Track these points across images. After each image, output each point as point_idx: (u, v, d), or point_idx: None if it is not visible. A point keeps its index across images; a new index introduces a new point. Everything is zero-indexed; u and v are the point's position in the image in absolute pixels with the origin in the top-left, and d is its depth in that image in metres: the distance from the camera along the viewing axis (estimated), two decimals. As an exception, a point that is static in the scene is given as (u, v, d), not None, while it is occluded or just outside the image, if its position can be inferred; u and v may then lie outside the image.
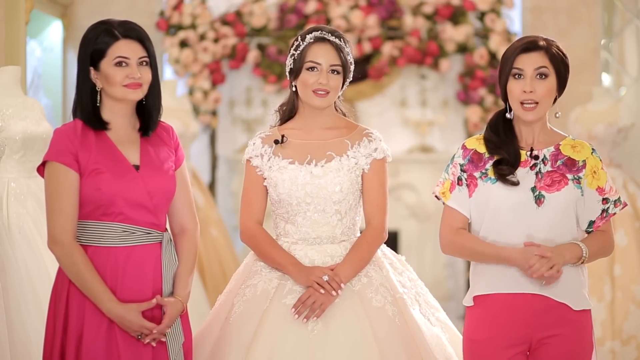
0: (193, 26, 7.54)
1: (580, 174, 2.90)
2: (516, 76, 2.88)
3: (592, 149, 2.94)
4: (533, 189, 2.88)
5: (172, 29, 7.58)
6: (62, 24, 7.20)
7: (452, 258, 7.72)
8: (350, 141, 3.20)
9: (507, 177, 2.89)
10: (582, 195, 2.90)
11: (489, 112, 7.43)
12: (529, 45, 2.88)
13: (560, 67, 2.89)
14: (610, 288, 5.50)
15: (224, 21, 7.61)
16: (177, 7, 7.57)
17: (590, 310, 2.95)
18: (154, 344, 2.89)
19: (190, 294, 3.04)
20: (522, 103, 2.87)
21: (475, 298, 2.95)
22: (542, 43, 2.88)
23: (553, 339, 2.88)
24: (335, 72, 3.14)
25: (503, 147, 2.92)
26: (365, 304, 3.07)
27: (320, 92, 3.13)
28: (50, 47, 7.11)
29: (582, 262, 2.87)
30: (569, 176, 2.89)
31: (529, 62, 2.87)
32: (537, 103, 2.87)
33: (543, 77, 2.87)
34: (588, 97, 6.17)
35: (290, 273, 3.09)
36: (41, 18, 6.87)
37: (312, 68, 3.13)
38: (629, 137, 6.00)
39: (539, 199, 2.88)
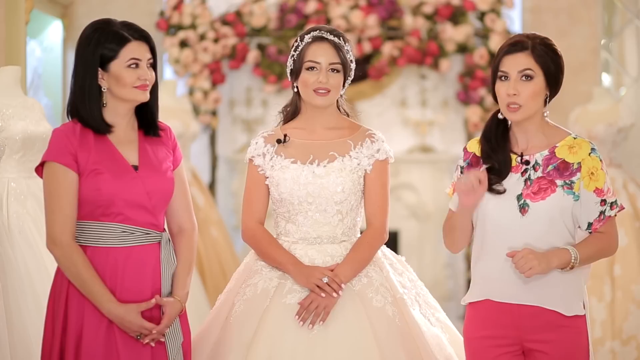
0: (193, 26, 7.54)
1: (574, 178, 2.81)
2: (502, 78, 2.83)
3: (592, 149, 2.84)
4: (519, 197, 2.83)
5: (172, 29, 7.58)
6: (62, 24, 7.20)
7: (452, 258, 7.72)
8: (353, 142, 3.20)
9: (493, 187, 2.84)
10: (577, 200, 2.81)
11: (489, 112, 7.40)
12: (513, 46, 2.81)
13: (550, 65, 2.80)
14: (610, 288, 5.50)
15: (224, 21, 7.61)
16: (177, 7, 7.57)
17: (584, 316, 2.88)
18: (152, 344, 2.89)
19: (190, 294, 3.04)
20: (507, 105, 2.82)
21: (467, 302, 2.97)
22: (527, 43, 2.81)
23: (546, 346, 2.85)
24: (335, 71, 3.14)
25: (493, 156, 2.87)
26: (365, 304, 3.07)
27: (320, 91, 3.13)
28: (50, 47, 7.11)
29: (572, 267, 2.80)
30: (559, 182, 2.82)
31: (513, 64, 2.80)
32: (521, 105, 2.81)
33: (528, 78, 2.80)
34: (588, 97, 6.18)
35: (290, 272, 3.09)
36: (41, 18, 6.87)
37: (311, 68, 3.13)
38: (629, 137, 6.00)
39: (523, 208, 2.82)
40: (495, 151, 2.87)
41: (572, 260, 2.79)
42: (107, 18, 2.93)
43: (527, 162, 2.85)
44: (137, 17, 6.79)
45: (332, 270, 3.07)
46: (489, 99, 7.38)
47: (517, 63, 2.80)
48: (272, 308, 3.05)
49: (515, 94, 2.80)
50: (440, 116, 7.75)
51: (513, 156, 2.87)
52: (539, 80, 2.81)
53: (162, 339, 2.91)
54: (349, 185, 3.16)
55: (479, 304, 2.92)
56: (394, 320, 3.06)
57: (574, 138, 2.88)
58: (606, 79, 7.50)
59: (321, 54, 3.12)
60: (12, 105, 4.18)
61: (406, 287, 3.17)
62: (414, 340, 3.06)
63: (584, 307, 2.88)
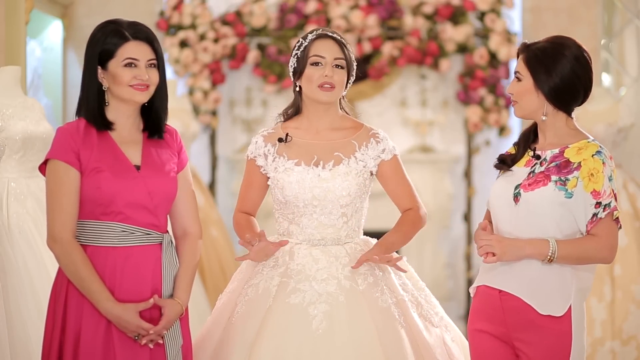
0: (193, 26, 7.54)
1: (570, 176, 2.82)
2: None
3: (598, 152, 2.85)
4: (516, 186, 2.88)
5: (172, 29, 7.58)
6: (62, 24, 7.20)
7: (452, 258, 7.73)
8: (357, 142, 3.20)
9: (496, 163, 2.98)
10: (570, 197, 2.82)
11: (489, 112, 7.44)
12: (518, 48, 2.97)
13: (537, 68, 2.87)
14: (610, 288, 5.50)
15: (224, 21, 7.61)
16: (177, 7, 7.57)
17: (566, 319, 2.84)
18: (151, 345, 2.87)
19: (191, 295, 3.03)
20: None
21: (473, 289, 3.02)
22: (522, 47, 2.93)
23: (525, 346, 2.86)
24: (340, 67, 3.15)
25: (517, 144, 3.00)
26: (370, 304, 3.06)
27: (325, 86, 3.13)
28: (50, 47, 7.11)
29: (550, 261, 2.80)
30: (554, 177, 2.84)
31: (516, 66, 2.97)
32: (516, 101, 2.93)
33: (519, 79, 2.91)
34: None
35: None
36: (41, 18, 6.87)
37: (316, 63, 3.13)
38: (629, 137, 5.99)
39: (516, 197, 2.87)
40: (519, 142, 3.00)
41: (550, 253, 2.79)
42: (115, 18, 2.94)
43: (538, 157, 2.91)
44: (137, 17, 6.76)
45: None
46: (489, 99, 7.37)
47: (517, 65, 2.96)
48: (275, 308, 3.04)
49: (511, 93, 2.96)
50: (440, 116, 7.75)
51: (529, 152, 2.95)
52: (527, 81, 2.89)
53: (161, 341, 2.89)
54: (355, 189, 3.16)
55: (477, 292, 2.97)
56: (399, 321, 3.06)
57: (588, 142, 2.90)
58: (606, 79, 7.51)
59: (326, 49, 3.14)
60: (12, 105, 4.18)
61: (407, 289, 3.17)
62: (416, 341, 3.06)
63: (573, 312, 2.84)
